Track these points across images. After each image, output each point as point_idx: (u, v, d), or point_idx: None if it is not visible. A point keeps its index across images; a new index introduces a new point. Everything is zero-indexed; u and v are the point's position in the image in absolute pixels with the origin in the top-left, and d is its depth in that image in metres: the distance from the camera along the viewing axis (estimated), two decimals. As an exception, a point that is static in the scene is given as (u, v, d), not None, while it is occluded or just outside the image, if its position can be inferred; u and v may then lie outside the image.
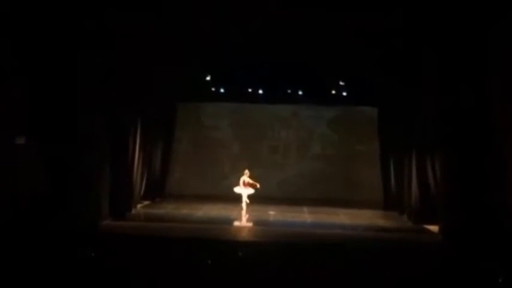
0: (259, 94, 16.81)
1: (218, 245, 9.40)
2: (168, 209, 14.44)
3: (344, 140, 17.97)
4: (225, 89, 16.81)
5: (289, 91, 16.70)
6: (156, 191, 16.14)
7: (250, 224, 12.61)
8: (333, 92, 16.39)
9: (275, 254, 8.86)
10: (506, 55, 8.87)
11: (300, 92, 16.80)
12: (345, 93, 16.45)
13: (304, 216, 14.00)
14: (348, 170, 17.70)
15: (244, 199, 14.22)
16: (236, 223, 12.59)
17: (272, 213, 14.05)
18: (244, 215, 13.54)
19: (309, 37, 11.61)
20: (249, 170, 14.49)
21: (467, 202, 10.03)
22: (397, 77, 13.16)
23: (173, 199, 16.12)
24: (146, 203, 15.15)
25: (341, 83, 15.86)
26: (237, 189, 14.30)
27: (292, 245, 9.89)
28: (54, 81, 9.89)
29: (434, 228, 11.80)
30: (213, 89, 16.72)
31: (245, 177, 14.26)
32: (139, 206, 14.36)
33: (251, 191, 14.25)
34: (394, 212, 14.84)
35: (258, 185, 14.23)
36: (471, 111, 9.78)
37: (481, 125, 9.66)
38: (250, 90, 16.68)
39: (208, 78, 15.84)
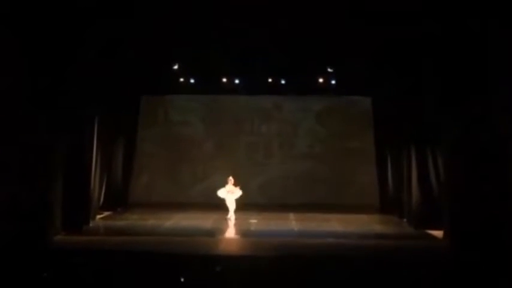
0: (236, 84, 16.77)
1: (191, 260, 9.37)
2: (132, 219, 14.34)
3: (334, 135, 18.07)
4: (195, 79, 16.73)
5: (270, 80, 16.70)
6: (118, 199, 16.03)
7: (228, 235, 12.56)
8: (320, 80, 16.44)
9: (257, 269, 8.86)
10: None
11: (283, 81, 16.81)
12: (333, 82, 16.51)
13: (291, 224, 14.02)
14: (339, 169, 17.81)
15: (231, 207, 14.23)
16: (212, 234, 12.54)
17: (254, 222, 14.07)
18: (231, 223, 13.55)
19: (291, 17, 11.60)
20: (233, 177, 14.53)
21: (473, 204, 10.15)
22: (393, 64, 13.34)
23: (138, 208, 16.02)
24: (106, 213, 15.04)
25: (329, 70, 15.91)
26: (221, 194, 14.32)
27: (277, 258, 9.88)
28: None
29: (438, 233, 11.95)
30: (181, 79, 16.63)
31: (230, 186, 14.25)
32: (98, 217, 14.24)
33: (238, 193, 14.28)
34: (393, 216, 15.01)
35: (240, 193, 14.26)
36: (475, 118, 10.09)
37: (486, 129, 9.96)
38: (224, 79, 16.63)
39: (175, 66, 15.73)
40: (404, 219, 14.13)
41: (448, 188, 11.33)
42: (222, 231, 12.99)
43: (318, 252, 10.50)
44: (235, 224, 13.72)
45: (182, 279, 7.78)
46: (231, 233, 12.74)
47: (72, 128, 11.88)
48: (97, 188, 14.02)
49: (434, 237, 12.02)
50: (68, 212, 11.59)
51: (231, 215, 14.24)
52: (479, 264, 9.13)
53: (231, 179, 14.49)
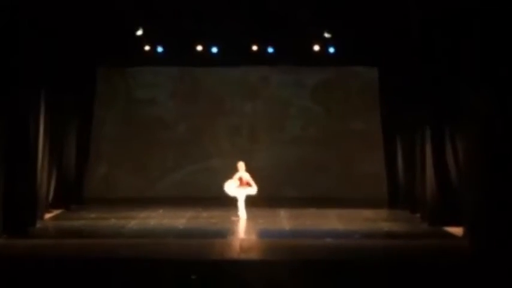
0: (213, 53, 16.77)
1: (162, 267, 9.43)
2: (89, 219, 14.38)
3: (333, 115, 18.18)
4: (164, 47, 16.71)
5: (255, 48, 16.72)
6: (71, 194, 16.06)
7: (205, 237, 12.62)
8: (316, 47, 16.50)
9: (240, 277, 8.96)
10: None
11: (270, 50, 16.84)
12: (332, 49, 16.57)
13: (282, 223, 14.16)
14: (339, 156, 17.94)
15: (242, 205, 14.12)
16: (185, 235, 12.63)
17: (236, 219, 14.17)
18: (242, 225, 13.60)
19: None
20: (245, 163, 14.34)
21: (498, 198, 10.29)
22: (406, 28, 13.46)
23: (95, 205, 16.06)
24: (57, 212, 15.08)
25: (326, 35, 15.97)
26: (230, 191, 14.11)
27: (264, 263, 10.02)
28: None
29: (457, 230, 12.15)
30: (146, 48, 16.60)
31: (242, 173, 14.14)
32: (47, 216, 14.27)
33: (252, 190, 14.14)
34: (404, 211, 15.23)
35: (255, 188, 14.05)
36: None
37: None
38: (199, 48, 16.63)
39: (139, 32, 15.69)
40: (418, 215, 14.31)
41: (469, 178, 11.47)
42: (198, 232, 13.06)
43: (313, 255, 10.63)
44: (214, 224, 13.81)
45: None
46: (208, 234, 12.81)
47: (12, 109, 11.84)
48: (45, 182, 14.02)
49: (452, 236, 12.19)
50: (10, 210, 11.58)
51: (241, 214, 14.11)
52: (504, 266, 9.30)
53: (241, 165, 14.20)
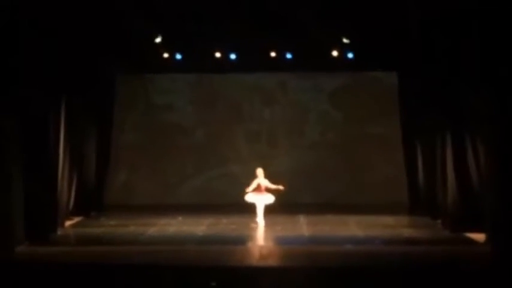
0: (231, 60, 16.79)
1: (181, 274, 9.45)
2: (109, 226, 14.45)
3: (352, 120, 18.11)
4: (182, 54, 16.77)
5: (273, 54, 16.72)
6: (91, 201, 16.13)
7: (224, 243, 12.63)
8: (335, 53, 16.47)
9: (259, 284, 8.93)
10: None
11: (289, 55, 16.83)
12: (350, 55, 16.54)
13: (301, 229, 14.12)
14: (358, 161, 17.86)
15: (260, 212, 14.15)
16: (205, 242, 12.64)
17: (255, 226, 14.16)
18: (262, 232, 13.59)
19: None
20: (264, 169, 14.39)
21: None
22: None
23: (115, 212, 16.13)
24: (78, 219, 15.15)
25: (345, 41, 15.93)
26: (249, 198, 14.16)
27: (283, 270, 9.98)
28: None
29: (479, 237, 12.05)
30: (165, 55, 16.67)
31: (261, 179, 14.17)
32: (67, 223, 14.34)
33: (270, 198, 14.23)
34: (425, 218, 15.09)
35: (282, 187, 14.17)
36: None
37: None
38: (218, 54, 16.66)
39: (158, 39, 15.76)
40: (439, 221, 14.19)
41: (491, 183, 11.38)
42: (217, 238, 13.07)
43: (333, 262, 10.58)
44: (234, 230, 13.80)
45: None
46: (227, 240, 12.82)
47: (33, 116, 11.92)
48: (66, 189, 14.09)
49: (474, 242, 12.10)
50: (31, 218, 11.64)
51: (260, 221, 14.14)
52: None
53: (260, 171, 14.22)
